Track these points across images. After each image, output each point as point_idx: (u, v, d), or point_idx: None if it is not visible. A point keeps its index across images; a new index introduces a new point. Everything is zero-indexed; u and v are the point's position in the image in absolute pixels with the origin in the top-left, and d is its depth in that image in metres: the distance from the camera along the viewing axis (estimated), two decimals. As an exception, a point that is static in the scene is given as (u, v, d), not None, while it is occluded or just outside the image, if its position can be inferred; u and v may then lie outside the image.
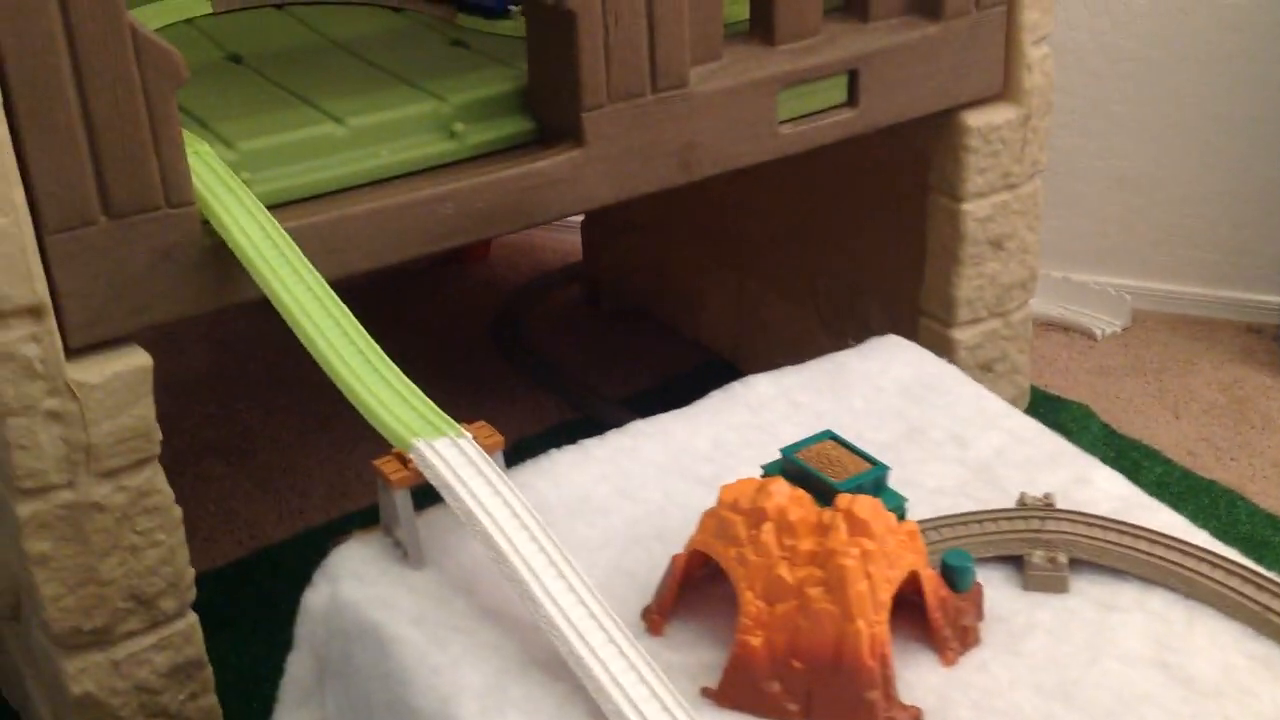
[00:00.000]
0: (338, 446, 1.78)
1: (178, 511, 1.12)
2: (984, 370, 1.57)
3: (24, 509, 1.06)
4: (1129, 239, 1.99)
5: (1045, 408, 1.75)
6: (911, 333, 1.61)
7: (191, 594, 1.16)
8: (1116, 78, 1.92)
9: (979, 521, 0.96)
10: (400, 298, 2.09)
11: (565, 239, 2.21)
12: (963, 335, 1.55)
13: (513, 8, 1.48)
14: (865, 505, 0.85)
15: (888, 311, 1.66)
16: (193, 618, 1.16)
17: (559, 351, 1.98)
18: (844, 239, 1.70)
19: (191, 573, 1.15)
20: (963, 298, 1.54)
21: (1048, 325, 1.97)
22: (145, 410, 1.09)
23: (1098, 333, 1.96)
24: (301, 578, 1.56)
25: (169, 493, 1.12)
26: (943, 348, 1.54)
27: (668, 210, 1.95)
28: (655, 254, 2.03)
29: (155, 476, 1.11)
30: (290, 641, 0.98)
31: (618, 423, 1.82)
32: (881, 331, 1.67)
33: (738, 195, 1.83)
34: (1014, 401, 1.57)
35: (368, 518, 1.65)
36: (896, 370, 1.17)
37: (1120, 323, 1.97)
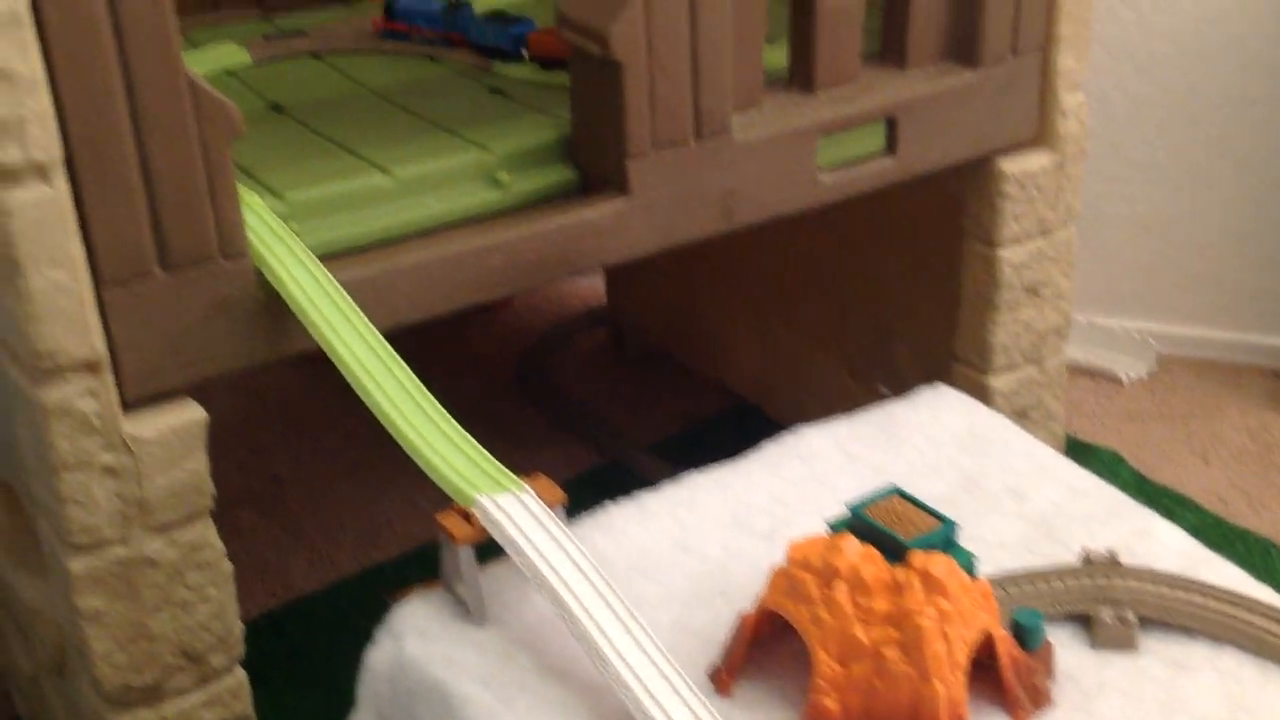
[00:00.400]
0: (367, 494, 1.77)
1: (228, 566, 1.11)
2: (1020, 417, 1.57)
3: (76, 564, 1.05)
4: (1153, 283, 2.00)
5: (1075, 454, 1.75)
6: (945, 378, 1.60)
7: (240, 649, 1.15)
8: (1139, 122, 1.93)
9: (1045, 578, 0.95)
10: (425, 342, 2.08)
11: (589, 283, 2.21)
12: (999, 382, 1.55)
13: (524, 51, 1.49)
14: (940, 564, 0.85)
15: (918, 356, 1.66)
16: (241, 674, 1.15)
17: (585, 396, 1.98)
18: (873, 282, 1.70)
19: (240, 627, 1.14)
20: (999, 344, 1.54)
21: (1074, 369, 1.97)
22: (198, 464, 1.08)
23: (1124, 377, 1.96)
24: (334, 628, 1.55)
25: (219, 547, 1.11)
26: (979, 394, 1.54)
27: (692, 253, 1.95)
28: (680, 297, 2.03)
29: (206, 531, 1.10)
30: (326, 693, 0.97)
31: (647, 468, 1.84)
32: (912, 375, 1.68)
33: (763, 237, 1.83)
34: (1050, 448, 1.57)
35: (399, 567, 1.65)
36: (947, 421, 1.17)
37: (1146, 367, 1.97)
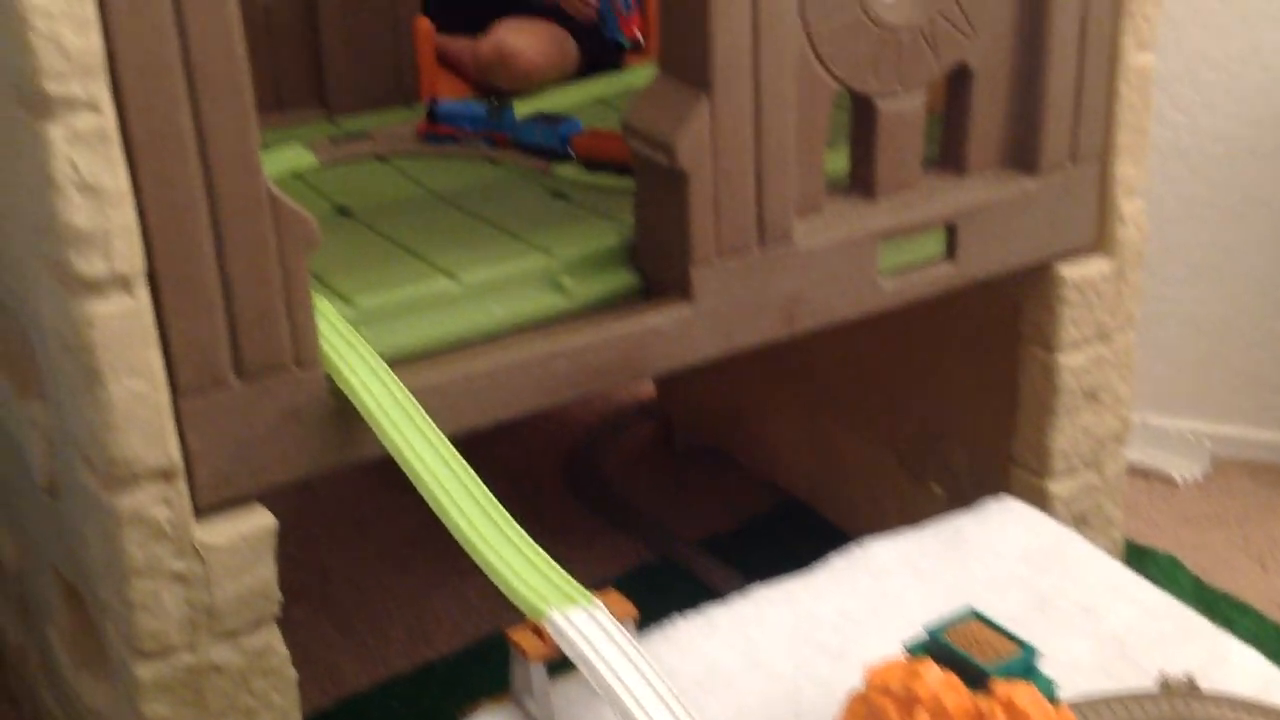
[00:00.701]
0: (418, 590, 1.76)
1: (292, 673, 1.11)
2: (1079, 523, 1.56)
3: (143, 671, 1.05)
4: (1207, 383, 1.99)
5: (1134, 559, 1.73)
6: (1001, 481, 1.60)
7: (301, 757, 1.14)
8: (1192, 223, 1.93)
9: (1124, 704, 0.94)
10: (472, 436, 2.09)
11: (636, 375, 2.21)
12: (1058, 488, 1.54)
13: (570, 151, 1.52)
14: (1024, 694, 0.83)
15: (974, 458, 1.66)
16: (302, 782, 1.15)
17: (634, 491, 1.97)
18: (929, 383, 1.70)
19: (303, 734, 1.14)
20: (1058, 449, 1.53)
21: (1128, 470, 1.95)
22: (267, 571, 1.08)
23: (1178, 479, 1.94)
24: (385, 730, 1.55)
25: (284, 653, 1.11)
26: (1036, 499, 1.53)
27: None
28: (730, 392, 2.03)
29: (272, 637, 1.10)
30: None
31: (697, 566, 1.83)
32: (967, 477, 1.67)
33: (816, 334, 1.83)
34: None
35: (451, 666, 1.64)
36: (1015, 535, 1.16)
37: (1200, 469, 1.95)
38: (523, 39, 1.69)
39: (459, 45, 1.71)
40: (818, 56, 1.27)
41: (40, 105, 0.94)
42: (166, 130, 0.99)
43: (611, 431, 2.12)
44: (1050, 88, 1.38)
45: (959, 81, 1.37)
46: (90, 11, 0.93)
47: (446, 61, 1.73)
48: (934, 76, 1.34)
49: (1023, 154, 1.42)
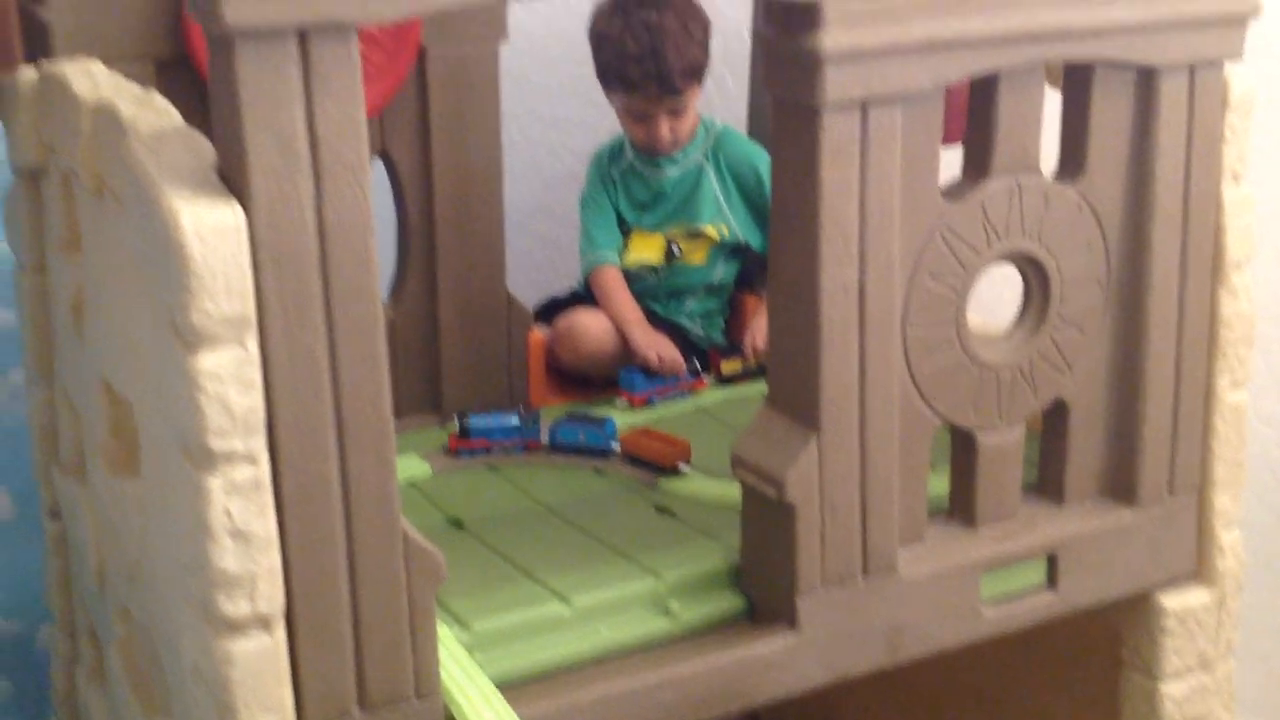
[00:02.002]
0: None
1: None
2: None
3: None
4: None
5: None
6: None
7: None
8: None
9: None
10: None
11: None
12: (1168, 823, 1.51)
13: (684, 466, 1.57)
14: None
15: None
16: None
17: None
18: (1028, 707, 1.68)
19: None
20: (1163, 781, 1.50)
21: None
22: None
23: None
24: None
25: None
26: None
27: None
28: (819, 701, 2.01)
29: None
30: None
31: None
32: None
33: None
34: None
35: None
36: None
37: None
38: (592, 319, 1.76)
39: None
40: (921, 394, 1.32)
41: (203, 459, 1.00)
42: (315, 478, 1.04)
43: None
44: (1147, 423, 1.42)
45: (1057, 414, 1.41)
46: (255, 374, 1.00)
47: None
48: (1033, 411, 1.39)
49: (1121, 485, 1.44)
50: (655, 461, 1.57)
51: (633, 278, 1.82)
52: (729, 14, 2.05)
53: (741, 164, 1.81)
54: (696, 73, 1.73)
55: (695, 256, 1.82)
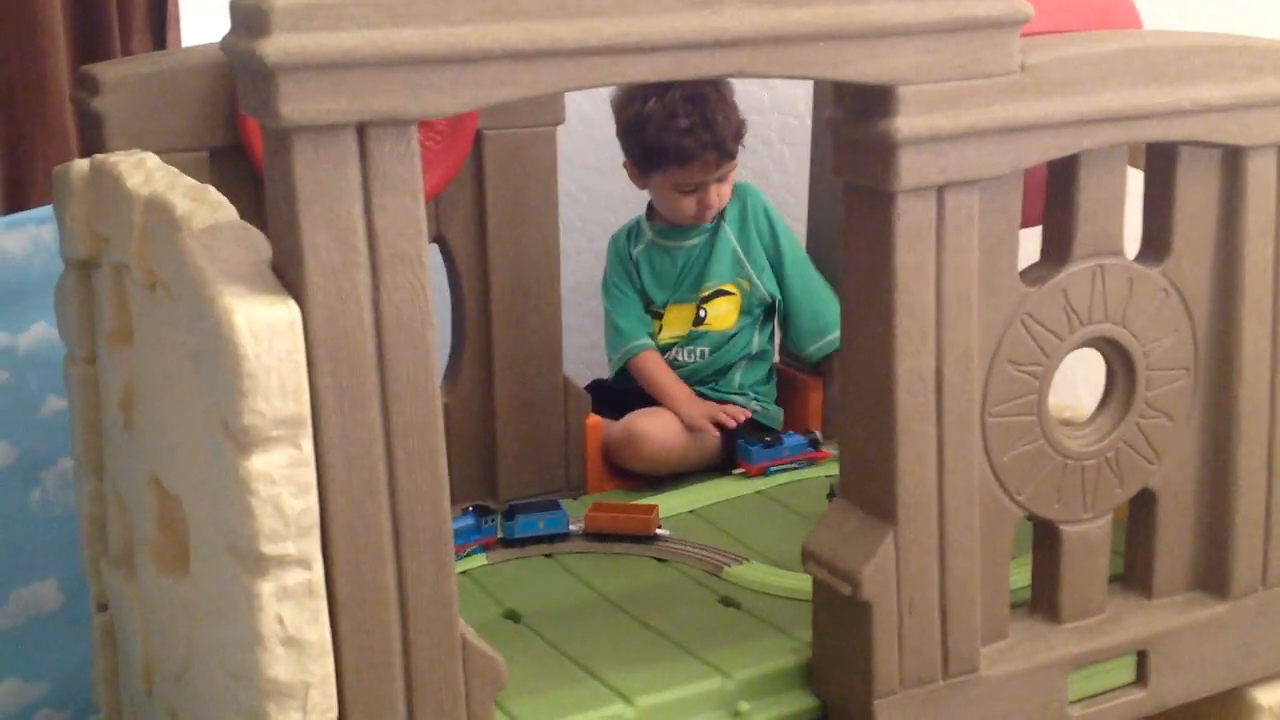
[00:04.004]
0: None
1: None
2: None
3: None
4: None
5: None
6: None
7: None
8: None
9: None
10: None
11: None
12: None
13: (661, 530, 1.54)
14: None
15: None
16: None
17: None
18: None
19: None
20: None
21: None
22: None
23: None
24: None
25: None
26: None
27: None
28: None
29: None
30: None
31: None
32: None
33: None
34: None
35: None
36: None
37: None
38: (652, 422, 1.71)
39: (605, 431, 1.75)
40: (1002, 486, 1.26)
41: (254, 563, 0.96)
42: (370, 583, 1.00)
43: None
44: (1239, 513, 1.35)
45: (1144, 504, 1.35)
46: (310, 475, 0.96)
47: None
48: (1119, 502, 1.32)
49: (1212, 577, 1.38)
50: (627, 533, 1.53)
51: (674, 367, 1.80)
52: (786, 91, 2.02)
53: (757, 213, 1.81)
54: (741, 135, 1.75)
55: (724, 321, 1.79)
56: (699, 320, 1.79)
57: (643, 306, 1.82)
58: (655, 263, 1.81)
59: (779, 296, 1.81)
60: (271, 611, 0.96)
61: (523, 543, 1.54)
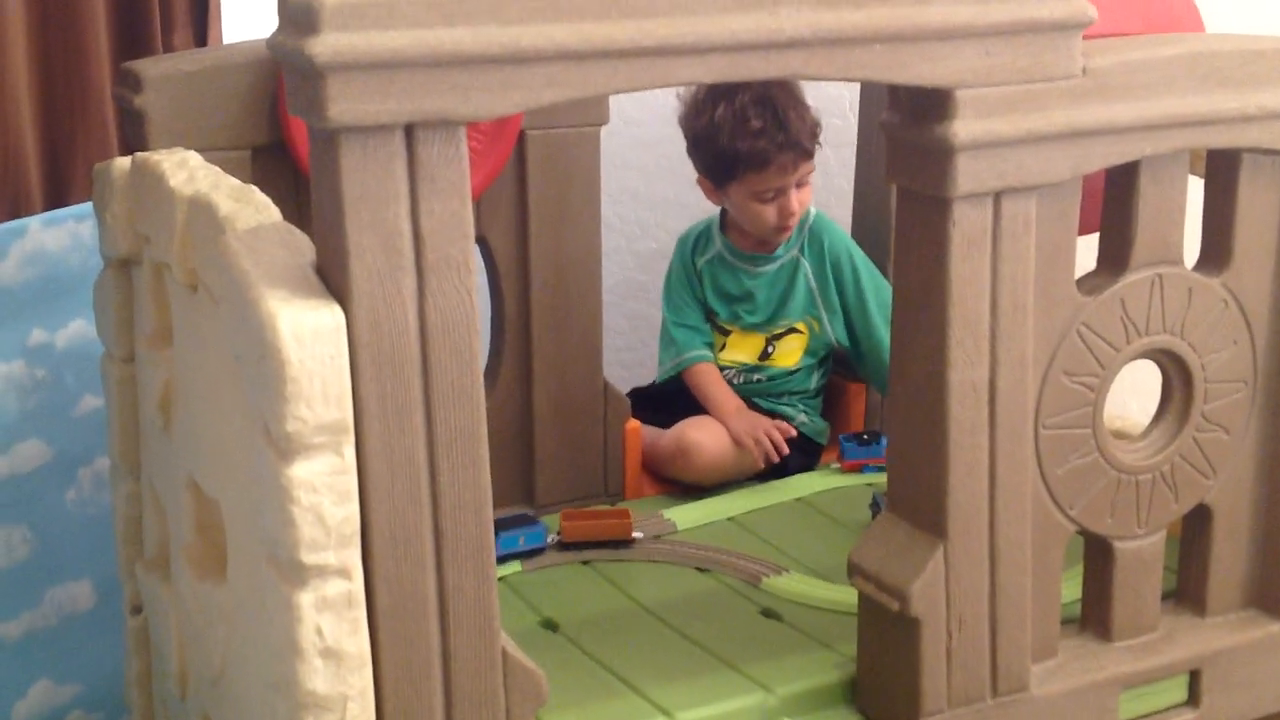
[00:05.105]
0: None
1: None
2: None
3: None
4: None
5: None
6: None
7: None
8: None
9: None
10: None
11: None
12: None
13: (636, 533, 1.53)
14: None
15: None
16: None
17: None
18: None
19: None
20: None
21: None
22: None
23: None
24: None
25: None
26: None
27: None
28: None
29: None
30: None
31: None
32: None
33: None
34: None
35: None
36: None
37: None
38: (704, 434, 1.69)
39: (649, 439, 1.72)
40: (1054, 500, 1.23)
41: (293, 572, 0.94)
42: (410, 593, 0.98)
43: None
44: (1296, 529, 1.32)
45: (1199, 520, 1.32)
46: (351, 483, 0.94)
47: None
48: (1174, 518, 1.29)
49: (1268, 595, 1.34)
50: (604, 538, 1.51)
51: (729, 380, 1.77)
52: (830, 91, 1.99)
53: (840, 254, 1.75)
54: (817, 133, 1.70)
55: (789, 359, 1.76)
56: (765, 355, 1.76)
57: (703, 315, 1.79)
58: (720, 278, 1.77)
59: (845, 344, 1.77)
60: (310, 622, 0.94)
61: (502, 560, 1.51)
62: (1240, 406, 1.28)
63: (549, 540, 1.53)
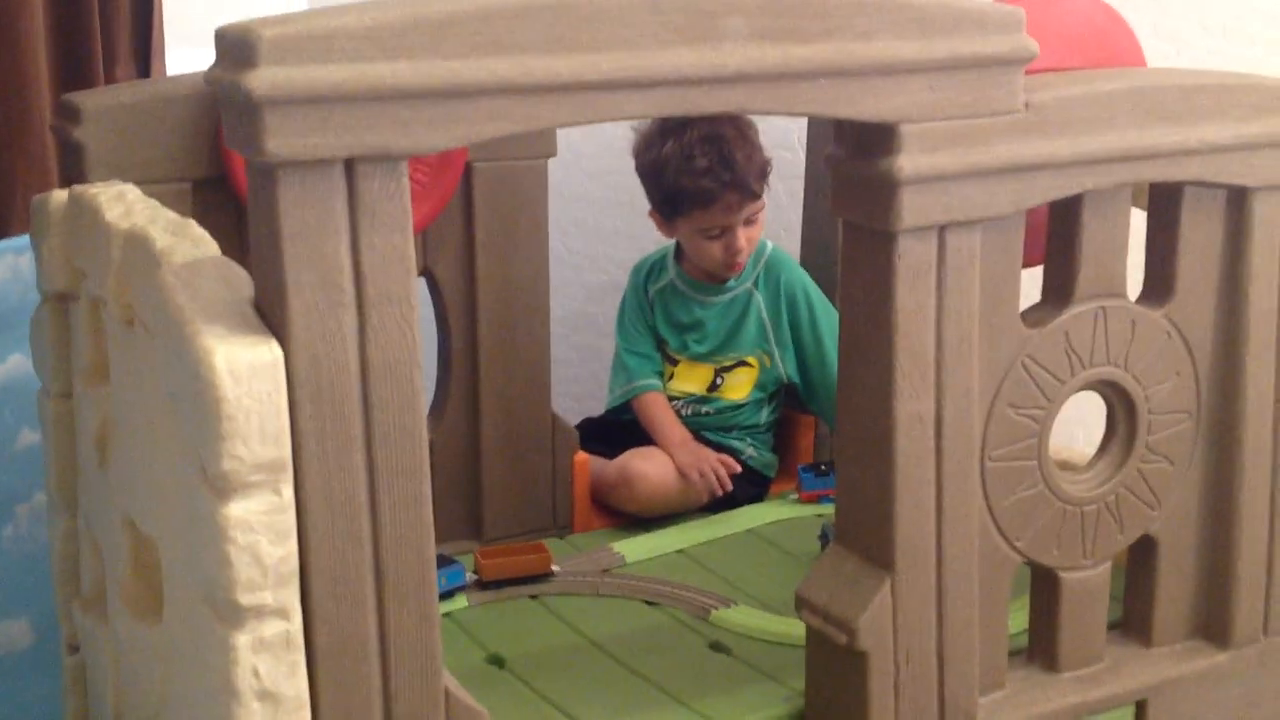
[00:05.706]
0: None
1: None
2: None
3: None
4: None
5: None
6: None
7: None
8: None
9: None
10: None
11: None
12: None
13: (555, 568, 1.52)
14: None
15: None
16: None
17: None
18: None
19: None
20: None
21: None
22: None
23: None
24: None
25: None
26: None
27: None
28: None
29: None
30: None
31: None
32: None
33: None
34: None
35: None
36: None
37: None
38: (648, 464, 1.68)
39: (596, 469, 1.71)
40: (1001, 531, 1.23)
41: (230, 614, 0.92)
42: (350, 634, 0.96)
43: None
44: (1240, 560, 1.32)
45: (1144, 551, 1.32)
46: (290, 522, 0.92)
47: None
48: (1119, 549, 1.30)
49: (1214, 626, 1.35)
50: (523, 574, 1.49)
51: (678, 412, 1.77)
52: (779, 124, 2.00)
53: (795, 290, 1.75)
54: (765, 174, 1.70)
55: (737, 392, 1.75)
56: (714, 386, 1.76)
57: (654, 344, 1.78)
58: (671, 306, 1.77)
59: (795, 380, 1.77)
60: (247, 664, 0.92)
61: None
62: (1184, 438, 1.29)
63: (468, 579, 1.50)
